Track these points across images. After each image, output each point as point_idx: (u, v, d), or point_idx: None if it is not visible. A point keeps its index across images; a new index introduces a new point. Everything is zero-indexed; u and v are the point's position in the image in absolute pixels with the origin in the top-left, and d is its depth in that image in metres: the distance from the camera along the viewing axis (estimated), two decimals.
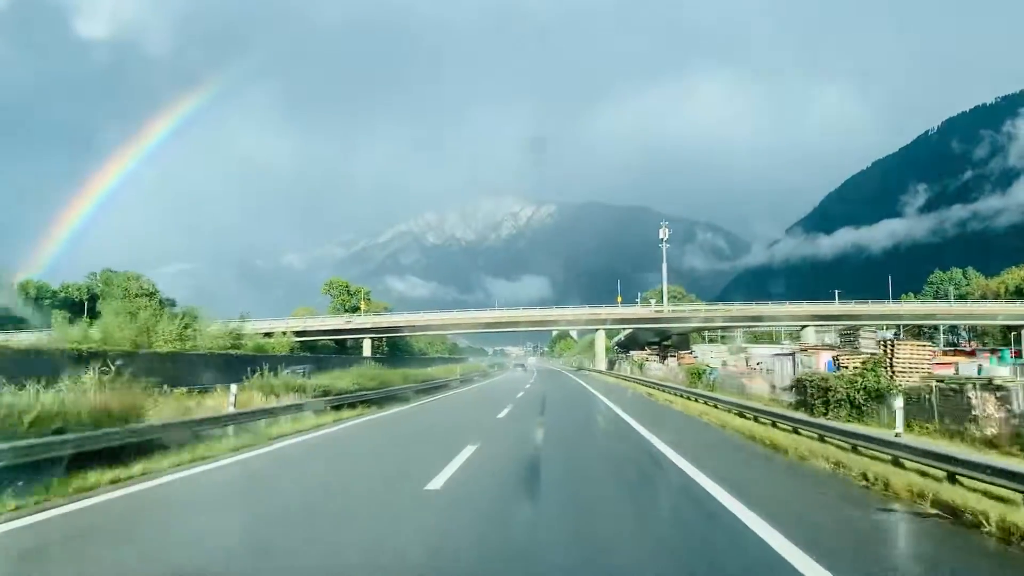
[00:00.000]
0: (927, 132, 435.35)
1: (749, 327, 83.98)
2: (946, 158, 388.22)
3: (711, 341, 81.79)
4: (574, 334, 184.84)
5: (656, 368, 55.47)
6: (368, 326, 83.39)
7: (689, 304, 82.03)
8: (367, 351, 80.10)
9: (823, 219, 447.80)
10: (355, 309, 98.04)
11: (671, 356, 60.27)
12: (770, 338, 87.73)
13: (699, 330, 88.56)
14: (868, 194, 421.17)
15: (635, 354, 70.95)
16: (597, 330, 77.54)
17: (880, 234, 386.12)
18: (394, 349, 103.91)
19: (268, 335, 60.32)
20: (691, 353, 55.63)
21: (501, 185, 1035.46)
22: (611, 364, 74.75)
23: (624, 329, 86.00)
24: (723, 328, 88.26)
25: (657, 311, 78.60)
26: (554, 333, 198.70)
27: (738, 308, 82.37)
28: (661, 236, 72.87)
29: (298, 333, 69.94)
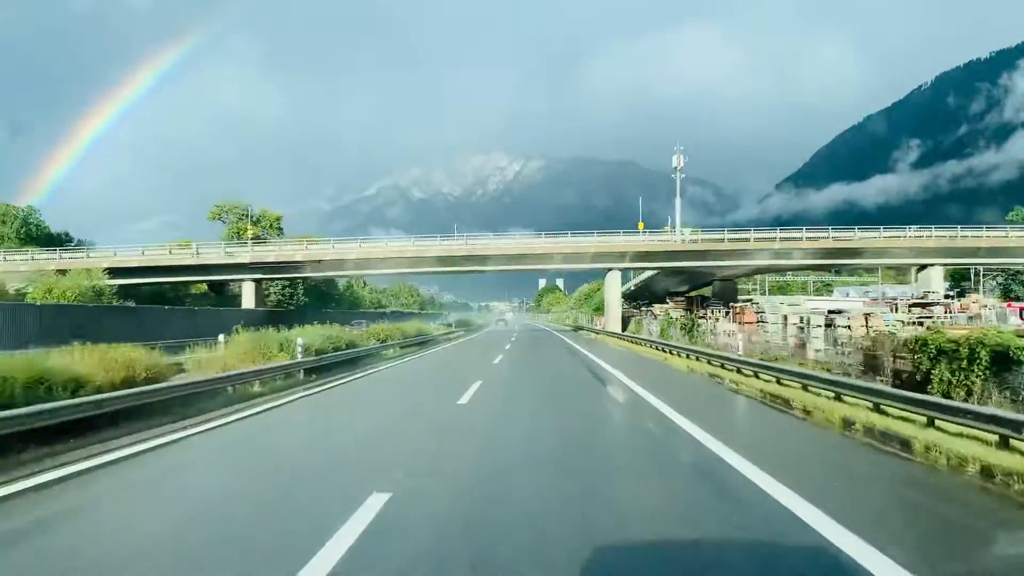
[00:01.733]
0: (920, 87, 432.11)
1: (843, 265, 64.67)
2: (940, 113, 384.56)
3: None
4: (561, 284, 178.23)
5: (726, 333, 32.00)
6: (247, 261, 55.19)
7: (748, 233, 55.14)
8: (248, 300, 56.11)
9: (813, 175, 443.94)
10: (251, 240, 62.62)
11: (712, 311, 44.00)
12: (804, 289, 77.39)
13: (753, 272, 70.43)
14: (859, 150, 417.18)
15: (656, 308, 53.66)
16: (609, 270, 54.18)
17: (871, 190, 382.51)
18: (322, 298, 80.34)
19: (62, 272, 42.07)
20: (753, 306, 39.34)
21: (489, 140, 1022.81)
22: (625, 323, 53.56)
23: (644, 271, 64.18)
24: (795, 270, 70.83)
25: (707, 241, 54.88)
26: (541, 284, 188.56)
27: (833, 237, 54.67)
28: (675, 164, 61.92)
29: (115, 272, 48.46)
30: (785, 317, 29.22)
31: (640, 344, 35.66)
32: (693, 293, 66.96)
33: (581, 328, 64.95)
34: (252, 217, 74.87)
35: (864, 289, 58.34)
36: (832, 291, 65.15)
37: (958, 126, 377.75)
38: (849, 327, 24.17)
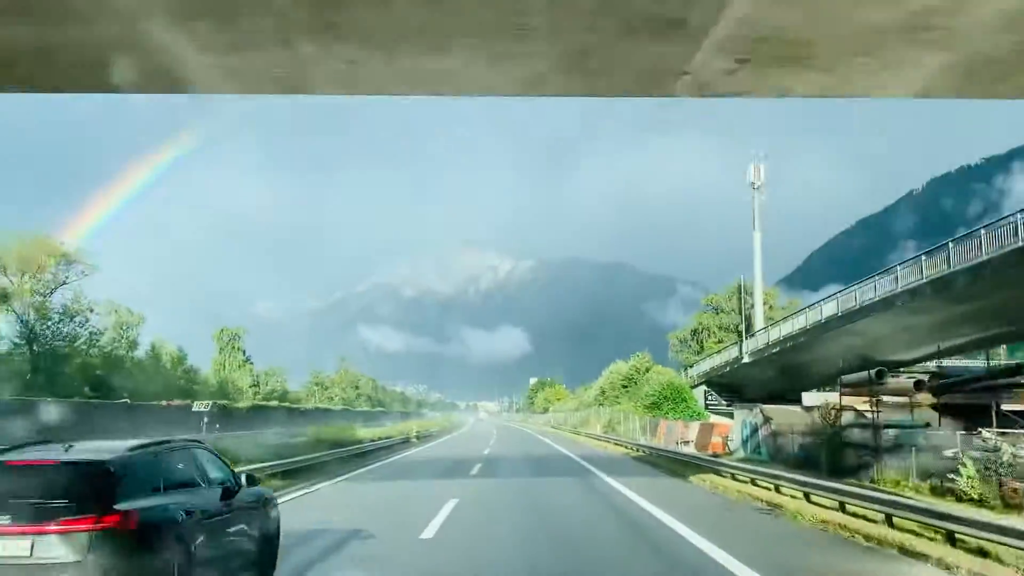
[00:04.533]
0: (911, 192, 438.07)
1: None
2: (936, 216, 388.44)
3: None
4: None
5: None
6: None
7: None
8: None
9: (808, 276, 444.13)
10: None
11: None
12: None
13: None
14: (854, 252, 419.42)
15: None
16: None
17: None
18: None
19: None
20: None
21: (481, 239, 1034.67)
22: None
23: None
24: None
25: None
26: (531, 381, 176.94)
27: None
28: (751, 179, 49.49)
29: None
30: None
31: None
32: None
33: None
34: None
35: None
36: None
37: (955, 228, 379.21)
38: None
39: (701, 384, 49.07)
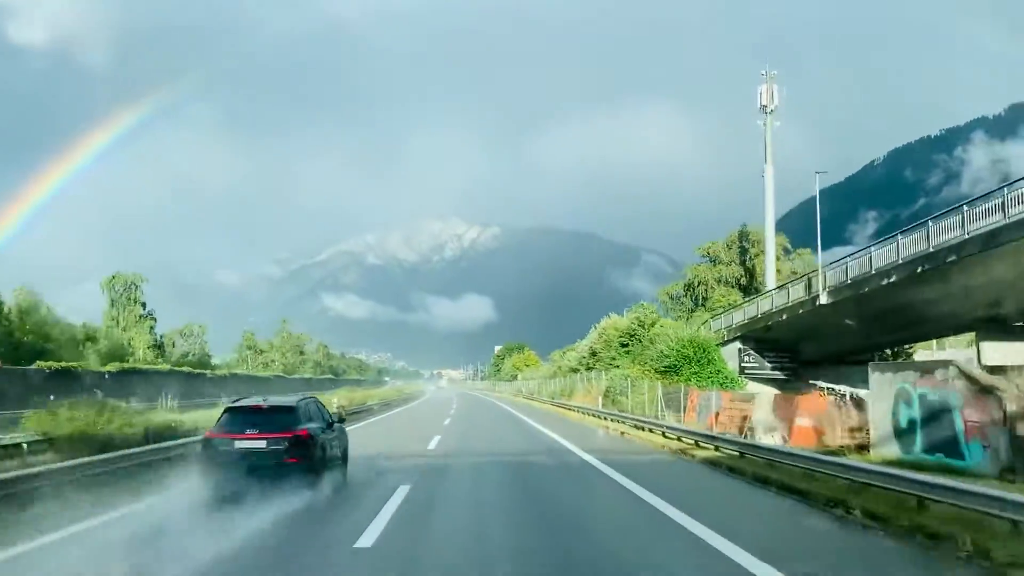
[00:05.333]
0: (872, 162, 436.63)
1: None
2: (897, 186, 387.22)
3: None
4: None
5: None
6: None
7: None
8: None
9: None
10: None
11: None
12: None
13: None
14: (815, 221, 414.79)
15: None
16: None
17: (830, 260, 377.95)
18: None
19: None
20: None
21: (446, 208, 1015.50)
22: None
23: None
24: None
25: None
26: (496, 348, 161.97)
27: None
28: (763, 102, 41.24)
29: None
30: None
31: None
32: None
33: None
34: None
35: None
36: None
37: (916, 199, 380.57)
38: None
39: (734, 340, 36.77)
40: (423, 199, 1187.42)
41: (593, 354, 53.28)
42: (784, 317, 30.91)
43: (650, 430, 24.47)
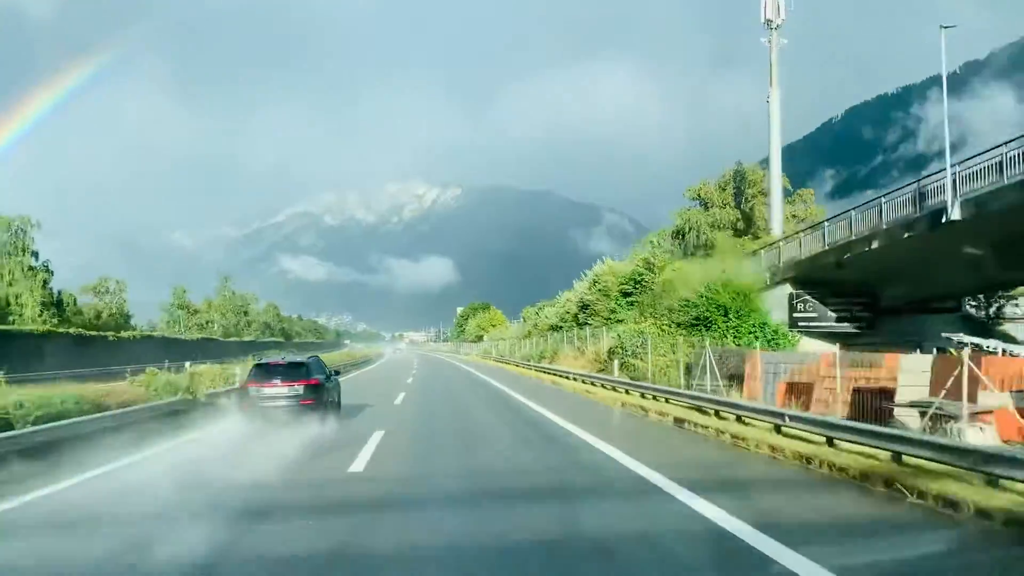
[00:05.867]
0: (831, 120, 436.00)
1: None
2: (856, 144, 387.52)
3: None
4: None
5: None
6: None
7: None
8: None
9: None
10: None
11: None
12: None
13: None
14: (791, 173, 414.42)
15: None
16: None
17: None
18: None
19: None
20: None
21: (405, 168, 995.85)
22: None
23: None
24: None
25: None
26: (458, 310, 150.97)
27: None
28: (766, 16, 35.99)
29: None
30: None
31: None
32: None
33: None
34: None
35: None
36: None
37: (874, 156, 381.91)
38: None
39: (782, 283, 28.24)
40: (382, 159, 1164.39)
41: (584, 307, 43.91)
42: (874, 246, 22.36)
43: (717, 414, 16.06)
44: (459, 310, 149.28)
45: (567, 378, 31.43)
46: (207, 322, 70.05)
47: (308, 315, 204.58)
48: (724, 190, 64.50)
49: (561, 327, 47.19)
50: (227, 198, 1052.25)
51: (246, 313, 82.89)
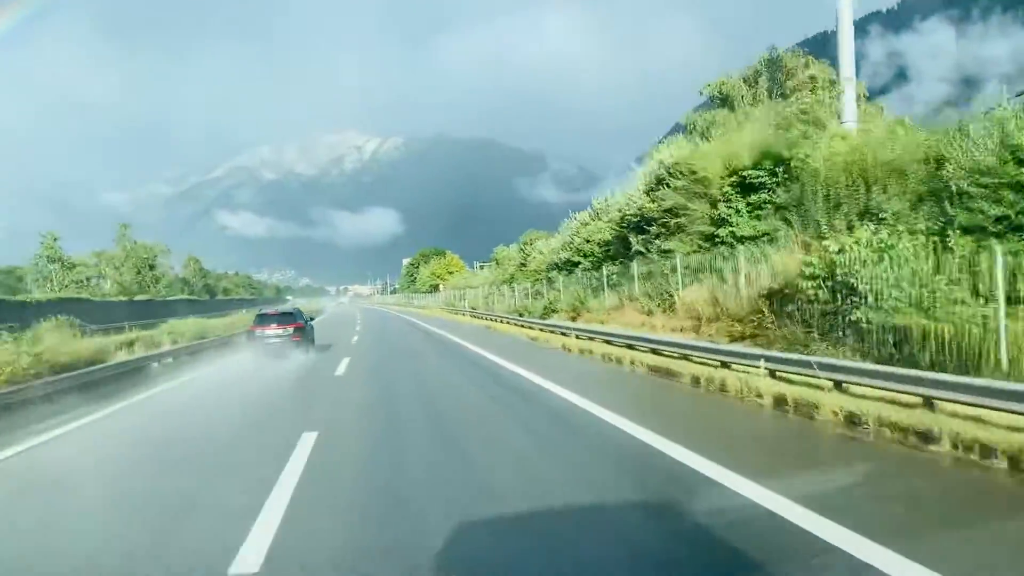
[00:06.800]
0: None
1: None
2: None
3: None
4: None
5: None
6: None
7: None
8: None
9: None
10: None
11: None
12: None
13: None
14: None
15: None
16: None
17: None
18: None
19: None
20: None
21: (344, 119, 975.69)
22: None
23: None
24: None
25: None
26: (405, 262, 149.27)
27: None
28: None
29: None
30: None
31: None
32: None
33: None
34: None
35: None
36: None
37: None
38: None
39: None
40: (319, 110, 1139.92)
41: (639, 223, 27.01)
42: None
43: None
44: (406, 261, 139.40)
45: (621, 349, 17.09)
46: (88, 278, 61.66)
47: (249, 272, 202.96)
48: (750, 86, 42.36)
49: (578, 262, 36.10)
50: (161, 154, 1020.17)
51: (152, 267, 72.26)
